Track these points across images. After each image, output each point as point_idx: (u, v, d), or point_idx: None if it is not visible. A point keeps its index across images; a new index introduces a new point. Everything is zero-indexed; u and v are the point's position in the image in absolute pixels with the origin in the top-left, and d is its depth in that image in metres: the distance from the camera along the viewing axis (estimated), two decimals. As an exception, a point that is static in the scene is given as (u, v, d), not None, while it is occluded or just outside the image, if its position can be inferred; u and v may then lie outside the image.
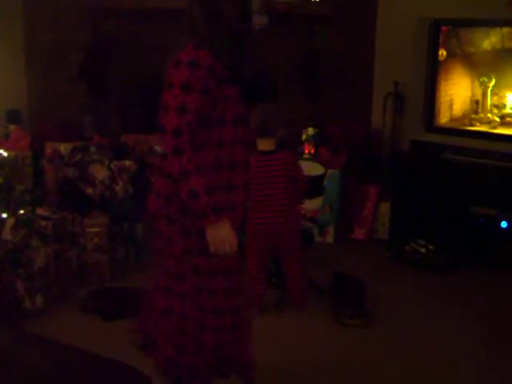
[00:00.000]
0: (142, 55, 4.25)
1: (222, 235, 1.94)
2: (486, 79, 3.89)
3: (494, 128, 3.91)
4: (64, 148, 3.72)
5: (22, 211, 3.23)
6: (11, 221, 3.12)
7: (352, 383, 2.61)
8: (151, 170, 3.94)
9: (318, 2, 4.12)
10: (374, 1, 4.36)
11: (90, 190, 3.62)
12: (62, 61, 4.31)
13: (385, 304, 3.27)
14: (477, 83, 3.96)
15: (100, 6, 4.13)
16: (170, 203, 2.01)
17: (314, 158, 4.18)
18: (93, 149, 3.75)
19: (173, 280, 2.09)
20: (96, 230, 3.44)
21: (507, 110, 3.90)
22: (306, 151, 4.22)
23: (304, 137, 4.25)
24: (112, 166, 3.70)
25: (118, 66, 4.28)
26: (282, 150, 3.10)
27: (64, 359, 1.84)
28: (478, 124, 3.98)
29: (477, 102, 3.99)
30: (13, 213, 3.19)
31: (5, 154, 3.52)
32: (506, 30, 3.76)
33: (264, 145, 3.02)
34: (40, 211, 3.35)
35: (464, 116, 4.07)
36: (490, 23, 3.81)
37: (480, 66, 3.93)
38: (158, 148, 4.14)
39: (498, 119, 3.91)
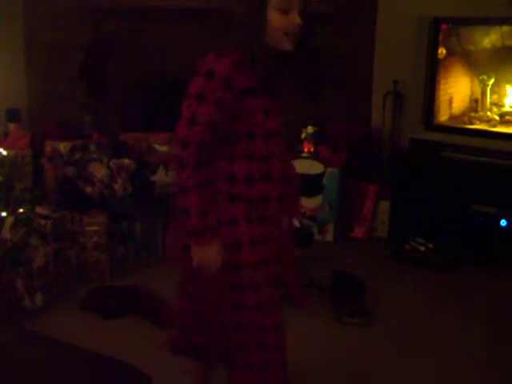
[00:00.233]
0: (141, 54, 4.25)
1: (204, 257, 1.89)
2: (485, 77, 3.89)
3: (494, 126, 3.91)
4: (63, 147, 3.72)
5: (21, 210, 3.23)
6: (11, 219, 3.12)
7: (352, 382, 2.61)
8: (150, 169, 3.96)
9: (318, 1, 4.11)
10: (374, -1, 4.37)
11: (89, 189, 3.62)
12: (61, 60, 4.31)
13: (385, 302, 3.27)
14: (476, 81, 3.96)
15: (100, 5, 4.13)
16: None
17: (314, 156, 4.18)
18: (92, 147, 3.75)
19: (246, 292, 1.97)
20: (95, 228, 3.44)
21: (506, 109, 3.90)
22: (306, 149, 4.22)
23: (303, 135, 4.25)
24: (111, 164, 3.70)
25: (117, 65, 4.28)
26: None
27: (64, 358, 1.84)
28: (478, 122, 3.99)
29: (476, 101, 3.99)
30: (12, 211, 3.19)
31: (4, 152, 3.52)
32: (505, 28, 3.76)
33: None
34: (39, 210, 3.35)
35: (463, 114, 4.08)
36: (490, 21, 3.81)
37: (480, 64, 3.93)
38: (157, 147, 4.15)
39: (497, 117, 3.91)
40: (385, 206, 4.17)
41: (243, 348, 1.99)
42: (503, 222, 3.65)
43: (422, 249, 3.78)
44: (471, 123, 4.01)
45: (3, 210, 3.17)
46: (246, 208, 1.91)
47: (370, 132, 4.44)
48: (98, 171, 3.67)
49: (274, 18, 1.86)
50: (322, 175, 4.08)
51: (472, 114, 4.02)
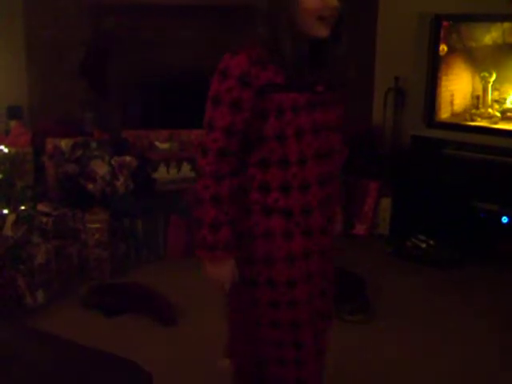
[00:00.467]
0: (142, 52, 4.25)
1: (214, 273, 1.76)
2: (486, 74, 3.89)
3: (495, 123, 3.90)
4: (65, 144, 3.73)
5: (22, 207, 3.24)
6: (12, 217, 3.12)
7: (353, 381, 2.60)
8: (151, 166, 3.96)
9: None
10: (375, -4, 4.36)
11: (90, 186, 3.62)
12: (62, 57, 4.30)
13: (386, 299, 3.27)
14: (478, 78, 3.95)
15: (100, 2, 4.13)
16: None
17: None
18: (93, 145, 3.75)
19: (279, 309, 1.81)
20: (97, 225, 3.44)
21: (508, 105, 3.89)
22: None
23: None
24: (113, 161, 3.70)
25: (118, 63, 4.28)
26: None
27: (65, 355, 1.85)
28: (479, 119, 3.98)
29: (478, 97, 3.99)
30: (14, 209, 3.20)
31: (5, 150, 3.52)
32: (506, 24, 3.75)
33: None
34: (41, 207, 3.35)
35: (465, 111, 4.07)
36: (491, 18, 3.80)
37: (481, 61, 3.92)
38: (158, 144, 4.15)
39: (498, 114, 3.90)
40: (386, 203, 4.17)
41: (279, 364, 1.84)
42: (505, 219, 3.65)
43: (424, 246, 3.78)
44: (472, 120, 4.01)
45: (5, 208, 3.18)
46: (283, 221, 1.73)
47: (372, 129, 4.44)
48: (100, 168, 3.67)
49: None
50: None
51: (473, 111, 4.01)
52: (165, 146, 4.12)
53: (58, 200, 3.58)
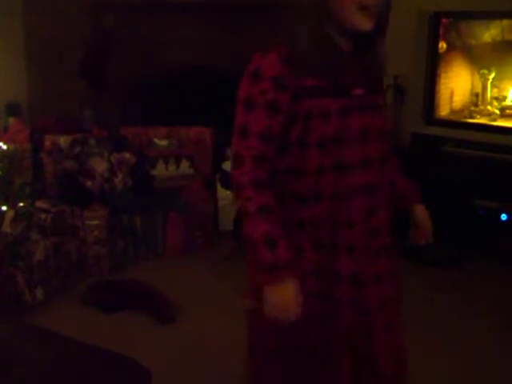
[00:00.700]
0: (141, 49, 4.25)
1: (275, 300, 1.50)
2: (486, 71, 3.88)
3: (494, 120, 3.90)
4: (63, 141, 3.72)
5: (21, 204, 3.23)
6: (11, 214, 3.12)
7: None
8: (150, 163, 3.96)
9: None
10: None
11: (89, 183, 3.62)
12: (61, 55, 4.31)
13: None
14: (477, 76, 3.95)
15: (100, 1, 4.13)
16: None
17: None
18: (92, 141, 3.75)
19: None
20: (95, 222, 3.44)
21: (507, 103, 3.89)
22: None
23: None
24: (111, 158, 3.70)
25: (117, 60, 4.28)
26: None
27: (64, 352, 1.85)
28: (478, 116, 3.98)
29: (477, 95, 3.98)
30: (12, 206, 3.19)
31: (4, 146, 3.52)
32: (506, 22, 3.75)
33: None
34: (39, 204, 3.35)
35: (464, 108, 4.07)
36: (490, 15, 3.80)
37: (480, 58, 3.91)
38: (156, 141, 4.15)
39: (497, 111, 3.90)
40: (385, 200, 4.16)
41: None
42: (504, 217, 3.65)
43: (423, 244, 3.77)
44: (472, 117, 4.00)
45: (3, 204, 3.17)
46: (314, 235, 1.58)
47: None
48: (99, 165, 3.67)
49: None
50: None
51: (472, 108, 4.01)
52: (163, 143, 4.12)
53: (56, 197, 3.58)
